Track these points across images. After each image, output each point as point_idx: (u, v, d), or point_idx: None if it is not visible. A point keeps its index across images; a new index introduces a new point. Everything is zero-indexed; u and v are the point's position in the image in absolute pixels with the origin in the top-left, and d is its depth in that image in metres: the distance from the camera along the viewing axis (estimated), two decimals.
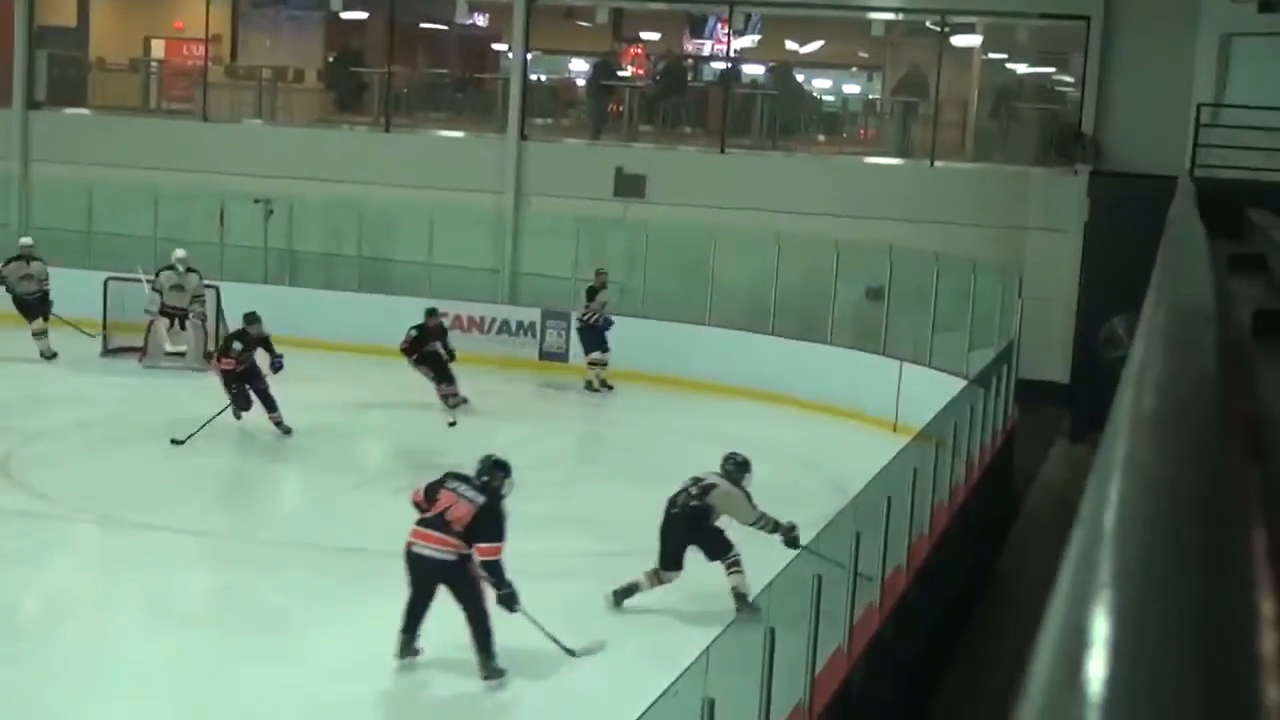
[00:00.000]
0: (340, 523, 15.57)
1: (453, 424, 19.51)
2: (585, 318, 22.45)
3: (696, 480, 13.14)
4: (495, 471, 11.78)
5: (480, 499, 11.52)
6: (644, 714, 7.03)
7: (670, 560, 12.93)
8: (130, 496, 15.81)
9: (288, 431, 18.52)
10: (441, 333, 20.72)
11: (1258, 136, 18.85)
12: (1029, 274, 21.62)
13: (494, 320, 24.14)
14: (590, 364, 22.44)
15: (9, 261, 22.80)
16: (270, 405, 18.51)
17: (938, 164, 24.94)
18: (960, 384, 17.38)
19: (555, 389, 23.04)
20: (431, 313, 20.99)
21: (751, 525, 12.95)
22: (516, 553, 12.25)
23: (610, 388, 22.45)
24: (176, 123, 27.93)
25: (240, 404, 18.57)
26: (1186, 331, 2.49)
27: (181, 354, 22.42)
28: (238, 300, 22.93)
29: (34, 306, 22.57)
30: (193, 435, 17.55)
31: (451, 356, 20.43)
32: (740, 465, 13.31)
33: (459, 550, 11.38)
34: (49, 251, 24.85)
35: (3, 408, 19.29)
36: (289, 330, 23.34)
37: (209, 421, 17.86)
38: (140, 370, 22.22)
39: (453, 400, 20.20)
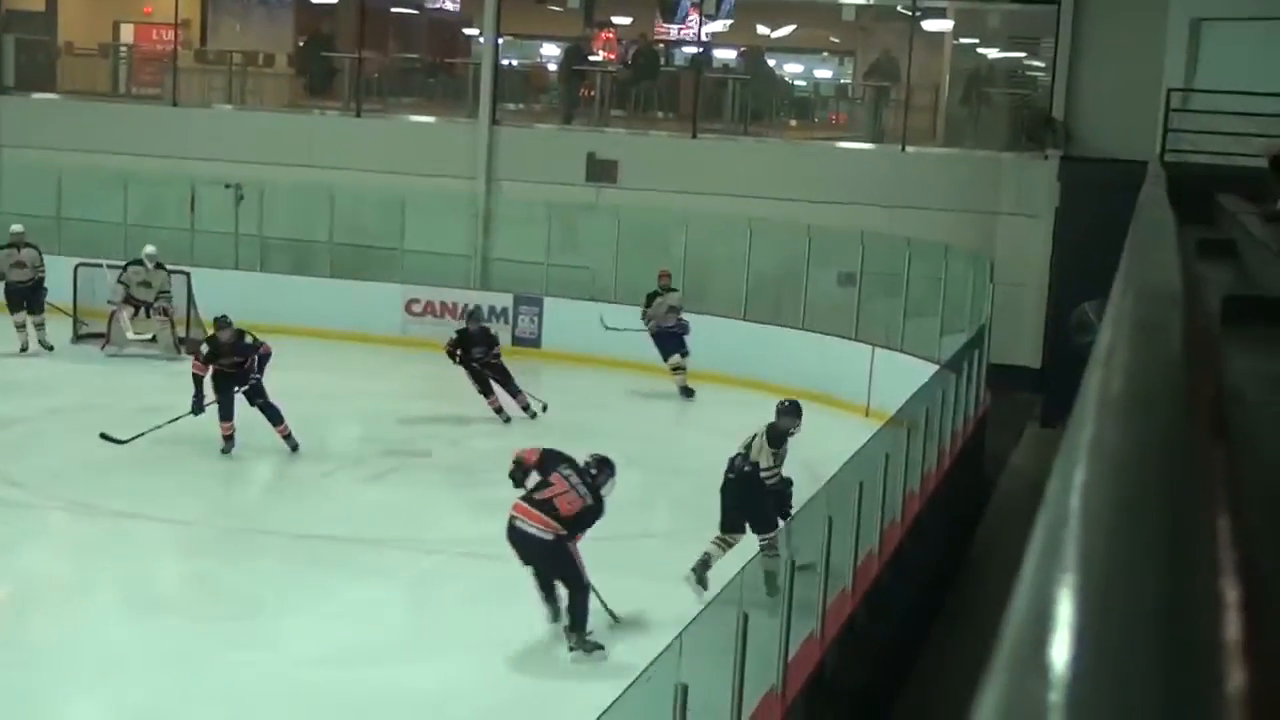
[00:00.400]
0: (311, 510, 15.56)
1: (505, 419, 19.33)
2: (648, 325, 21.45)
3: (749, 439, 13.37)
4: (603, 467, 12.12)
5: (589, 499, 11.87)
6: (616, 700, 7.04)
7: (730, 523, 13.10)
8: (102, 484, 15.76)
9: (295, 447, 17.22)
10: (486, 338, 19.65)
11: (1228, 121, 18.89)
12: (1000, 259, 21.67)
13: (466, 306, 24.07)
14: (672, 370, 21.31)
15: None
16: (274, 418, 17.17)
17: (909, 149, 24.96)
18: (932, 369, 17.42)
19: (528, 374, 23.03)
20: (472, 315, 20.39)
21: (763, 471, 13.03)
22: (487, 539, 12.26)
23: (691, 393, 21.33)
24: (146, 108, 27.80)
25: (205, 406, 17.14)
26: (1154, 316, 2.50)
27: (151, 340, 22.33)
28: (209, 286, 22.92)
29: (25, 296, 22.14)
30: (135, 438, 16.58)
31: (489, 362, 19.42)
32: (786, 411, 13.60)
33: (558, 532, 11.72)
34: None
35: None
36: (260, 316, 23.31)
37: (156, 428, 16.70)
38: (109, 357, 22.12)
39: (504, 415, 19.51)
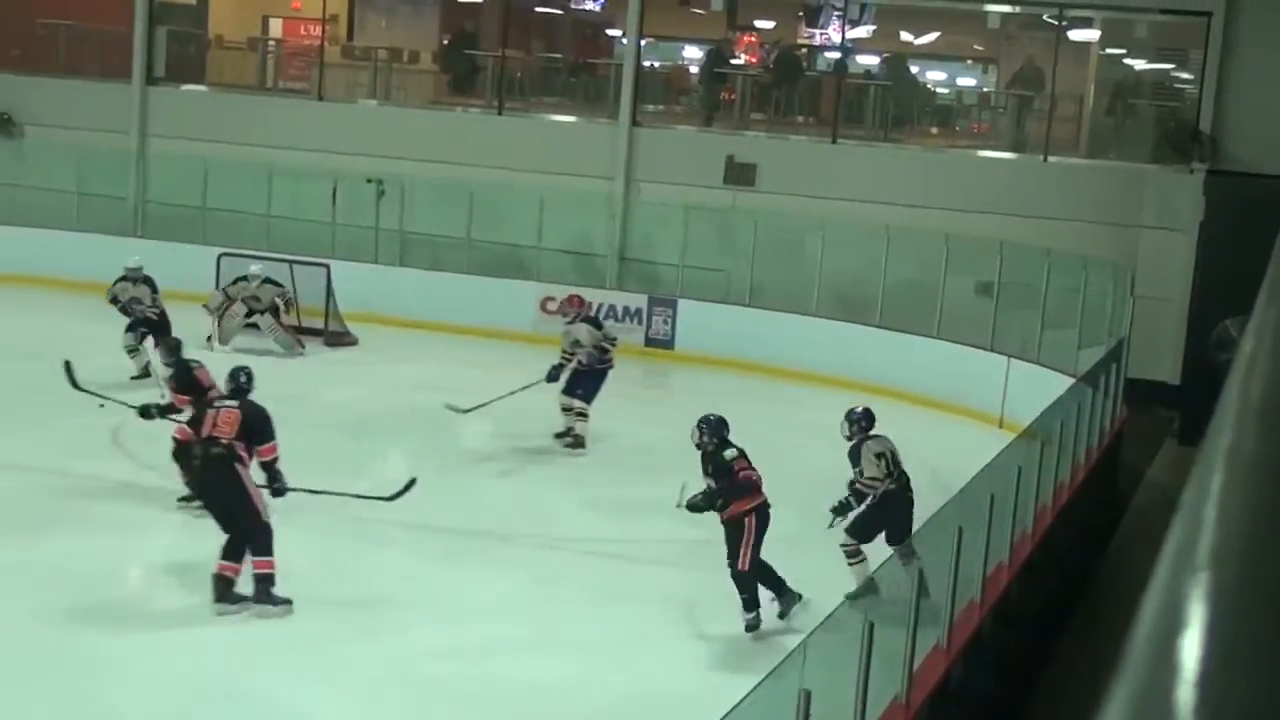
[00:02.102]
0: (438, 504, 15.66)
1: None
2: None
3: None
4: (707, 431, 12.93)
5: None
6: (739, 704, 7.02)
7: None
8: None
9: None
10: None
11: None
12: (1141, 272, 21.36)
13: (600, 305, 24.16)
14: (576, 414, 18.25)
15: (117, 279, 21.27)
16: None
17: (1051, 159, 24.69)
18: (1069, 382, 17.21)
19: (660, 375, 23.08)
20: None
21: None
22: (612, 538, 12.32)
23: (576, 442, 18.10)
24: (292, 101, 28.19)
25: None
26: None
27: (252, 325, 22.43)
28: (348, 279, 23.20)
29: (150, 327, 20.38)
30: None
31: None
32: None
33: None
34: (163, 227, 25.28)
35: (114, 380, 19.55)
36: (397, 310, 23.62)
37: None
38: (245, 346, 22.27)
39: None
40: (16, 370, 19.43)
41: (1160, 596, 1.07)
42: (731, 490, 12.31)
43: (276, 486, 12.41)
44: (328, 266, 23.19)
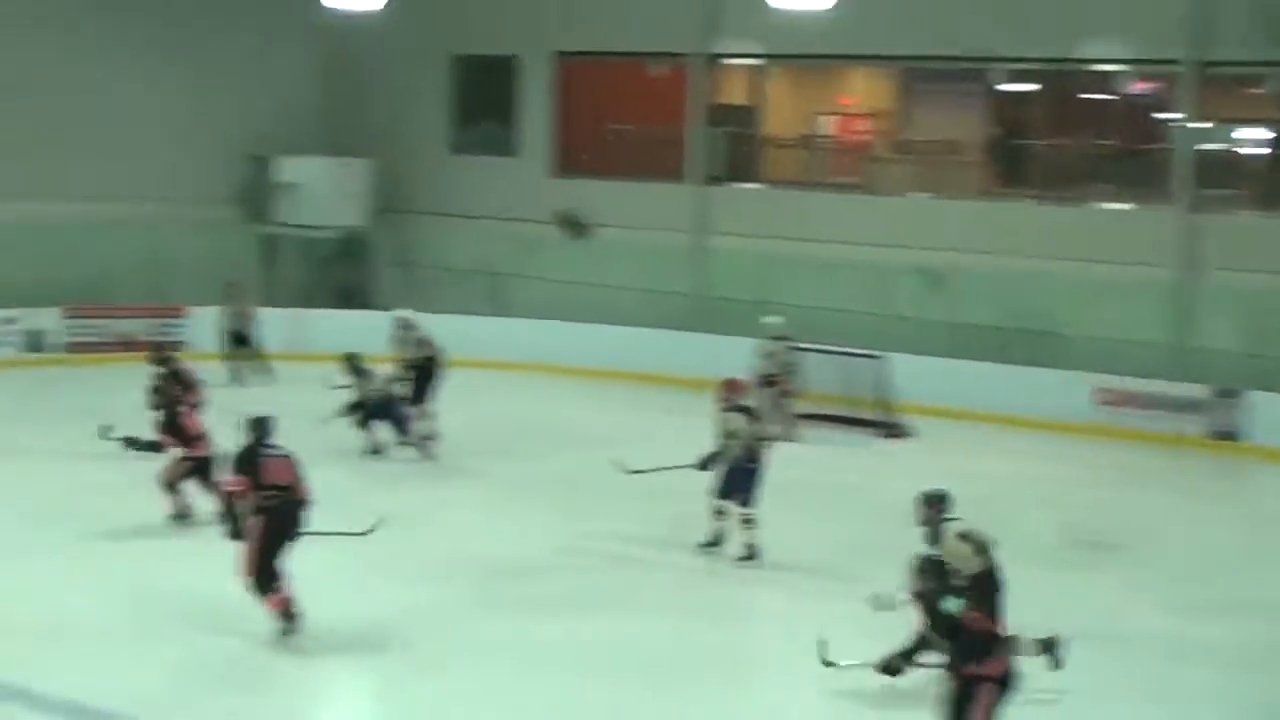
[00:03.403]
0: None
1: None
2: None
3: None
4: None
5: None
6: None
7: None
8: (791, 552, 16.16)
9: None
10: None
11: None
12: None
13: (1160, 396, 23.60)
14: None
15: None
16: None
17: None
18: None
19: (1230, 471, 22.30)
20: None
21: None
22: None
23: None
24: (843, 196, 28.63)
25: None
26: None
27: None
28: (900, 371, 23.41)
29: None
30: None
31: None
32: None
33: None
34: (726, 320, 26.11)
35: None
36: (952, 402, 23.70)
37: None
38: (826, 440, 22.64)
39: None
40: (584, 460, 20.25)
41: None
42: (981, 650, 9.43)
43: None
44: (884, 358, 23.42)
